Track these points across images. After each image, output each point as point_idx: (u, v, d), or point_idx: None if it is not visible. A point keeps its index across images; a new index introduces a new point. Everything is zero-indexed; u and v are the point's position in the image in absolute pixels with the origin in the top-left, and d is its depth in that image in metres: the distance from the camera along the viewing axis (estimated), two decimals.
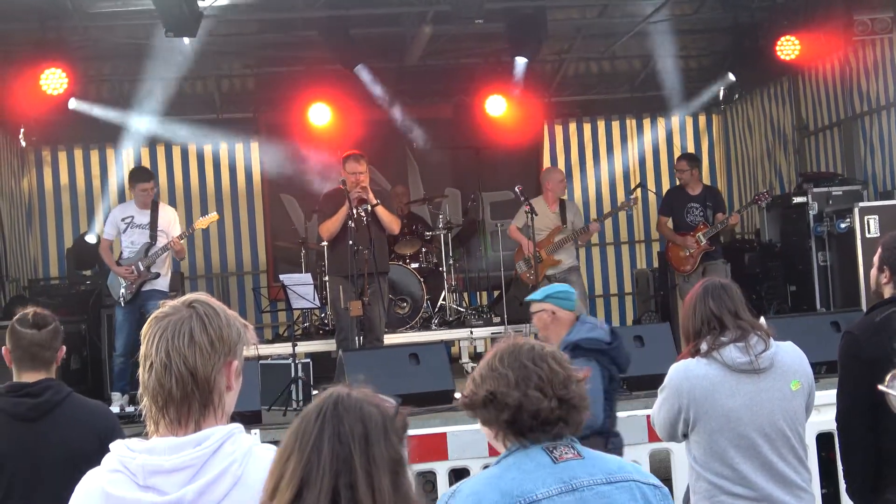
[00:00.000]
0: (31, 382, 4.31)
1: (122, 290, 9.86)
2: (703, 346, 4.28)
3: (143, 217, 10.02)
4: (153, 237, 9.95)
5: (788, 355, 4.35)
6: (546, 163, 14.98)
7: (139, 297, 9.88)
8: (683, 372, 4.29)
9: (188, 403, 2.48)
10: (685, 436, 4.34)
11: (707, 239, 11.10)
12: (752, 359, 4.20)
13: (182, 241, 9.97)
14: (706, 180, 14.73)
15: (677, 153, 14.69)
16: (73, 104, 12.03)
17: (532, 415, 2.77)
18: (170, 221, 10.09)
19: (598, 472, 2.77)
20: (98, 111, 12.81)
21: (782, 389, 4.25)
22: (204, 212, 14.33)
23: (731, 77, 13.40)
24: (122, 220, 10.07)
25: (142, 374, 2.52)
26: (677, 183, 11.86)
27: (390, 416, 2.18)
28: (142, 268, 9.85)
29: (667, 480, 7.04)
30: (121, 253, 10.11)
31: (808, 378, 4.35)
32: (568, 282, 10.72)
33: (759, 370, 4.22)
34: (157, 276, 9.91)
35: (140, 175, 10.31)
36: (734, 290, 4.37)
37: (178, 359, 2.46)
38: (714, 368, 4.24)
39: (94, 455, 2.77)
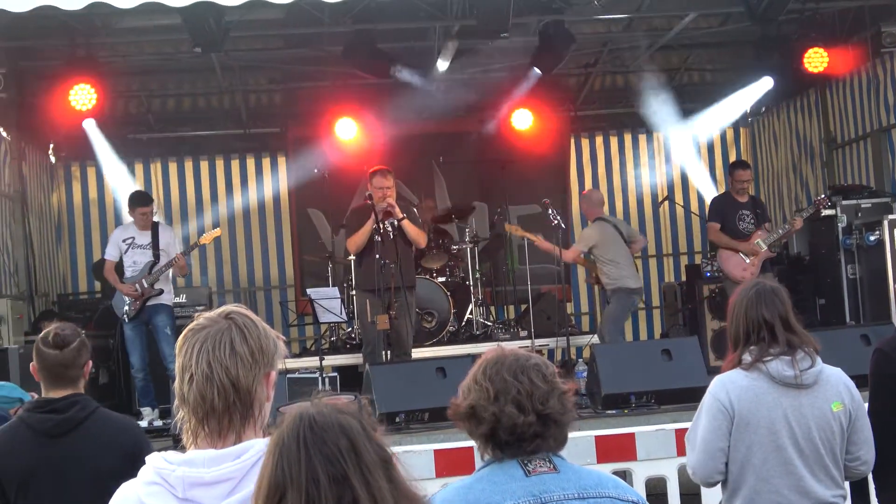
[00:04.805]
0: (58, 398, 4.28)
1: (126, 308, 10.02)
2: (748, 358, 4.21)
3: (144, 238, 10.18)
4: (156, 256, 10.11)
5: (835, 377, 4.25)
6: (573, 176, 14.98)
7: (144, 311, 10.04)
8: (728, 384, 4.21)
9: (229, 415, 2.46)
10: (722, 463, 4.22)
11: (767, 245, 10.77)
12: (798, 373, 4.13)
13: (184, 258, 10.12)
14: None
15: (705, 166, 14.61)
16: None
17: (508, 430, 2.77)
18: (169, 242, 10.26)
19: (571, 486, 2.77)
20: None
21: (822, 408, 4.16)
22: (232, 227, 14.43)
23: (770, 80, 13.07)
24: (123, 241, 10.23)
25: (179, 386, 2.49)
26: (722, 190, 11.61)
27: (362, 416, 2.11)
28: (146, 285, 10.01)
29: (695, 496, 7.00)
30: (123, 273, 10.24)
31: (855, 404, 4.23)
32: (616, 295, 10.79)
33: (803, 385, 4.15)
34: (161, 292, 10.08)
35: (139, 199, 10.44)
36: (784, 295, 4.28)
37: (220, 370, 2.44)
38: (758, 381, 4.17)
39: (120, 471, 2.75)
